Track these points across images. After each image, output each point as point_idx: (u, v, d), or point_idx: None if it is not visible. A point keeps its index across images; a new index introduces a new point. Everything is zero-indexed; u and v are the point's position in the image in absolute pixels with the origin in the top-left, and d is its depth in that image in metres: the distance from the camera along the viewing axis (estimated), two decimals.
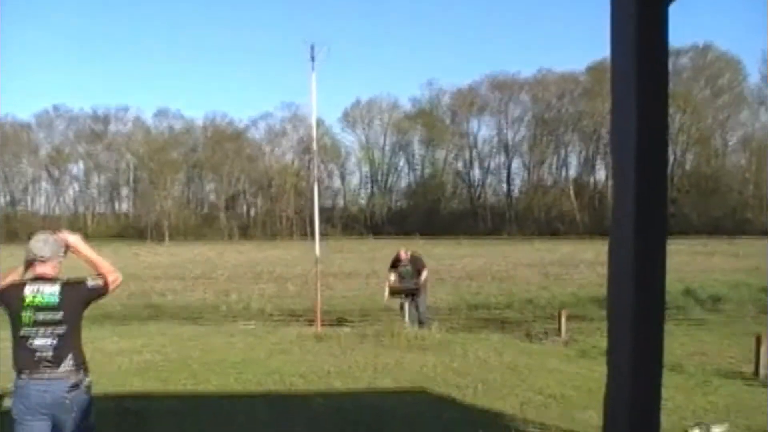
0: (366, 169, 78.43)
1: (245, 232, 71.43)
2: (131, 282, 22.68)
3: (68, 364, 3.57)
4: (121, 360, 8.12)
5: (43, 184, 78.14)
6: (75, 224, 69.12)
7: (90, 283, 3.69)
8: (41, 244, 3.70)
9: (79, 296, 3.66)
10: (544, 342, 10.23)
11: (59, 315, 3.56)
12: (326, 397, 6.55)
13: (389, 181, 78.12)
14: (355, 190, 78.57)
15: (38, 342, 3.52)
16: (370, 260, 32.65)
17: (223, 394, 6.70)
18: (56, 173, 75.30)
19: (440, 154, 76.24)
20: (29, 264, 3.67)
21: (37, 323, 3.53)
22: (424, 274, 11.44)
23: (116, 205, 79.20)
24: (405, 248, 12.19)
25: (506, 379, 7.25)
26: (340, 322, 13.26)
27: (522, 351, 9.08)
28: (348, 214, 74.02)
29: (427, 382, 7.13)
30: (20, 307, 3.54)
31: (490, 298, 16.55)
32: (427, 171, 76.33)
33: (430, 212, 69.78)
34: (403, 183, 78.93)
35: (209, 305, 16.50)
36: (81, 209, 76.43)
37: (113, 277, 3.76)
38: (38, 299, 3.55)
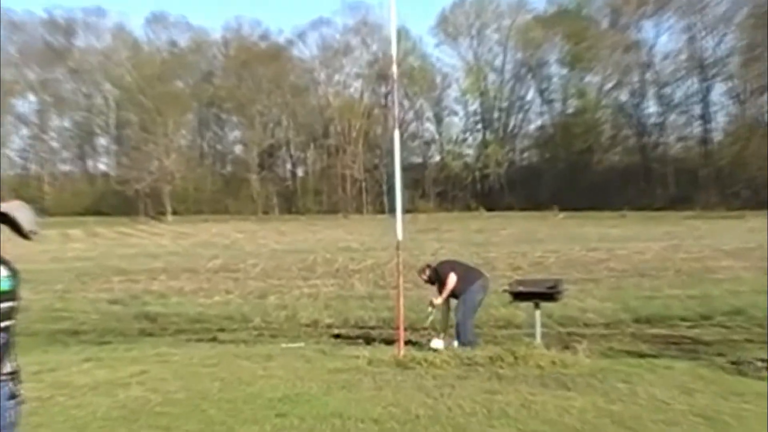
0: (475, 104, 78.09)
1: (289, 202, 72.86)
2: (114, 279, 23.71)
3: (9, 366, 3.86)
4: (97, 400, 8.37)
5: None
6: (21, 192, 71.58)
7: None
8: None
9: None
10: (762, 376, 9.83)
11: (11, 304, 3.85)
12: None
13: (511, 122, 77.38)
14: (458, 137, 78.51)
15: None
16: (482, 245, 32.49)
17: None
18: None
19: (593, 78, 74.59)
20: None
21: None
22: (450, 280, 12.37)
23: (90, 163, 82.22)
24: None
25: None
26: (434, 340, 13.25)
27: (726, 389, 8.75)
28: (447, 175, 73.93)
29: None
30: None
31: (674, 305, 16.09)
32: (572, 105, 74.96)
33: (576, 170, 68.63)
34: (533, 126, 78.21)
35: (234, 314, 16.89)
36: (32, 167, 78.73)
37: None
38: None
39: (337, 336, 14.31)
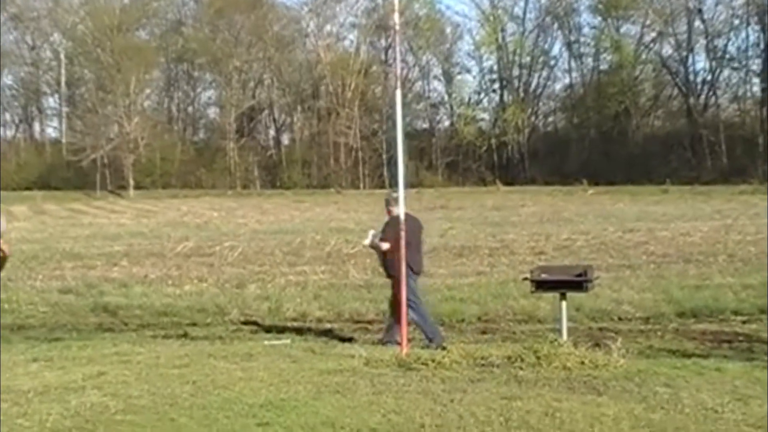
0: (491, 60, 77.88)
1: (273, 175, 72.91)
2: (66, 264, 23.66)
3: None
4: (46, 407, 8.39)
5: None
6: None
7: None
8: None
9: None
10: None
11: None
12: None
13: (533, 81, 77.26)
14: (471, 99, 78.37)
15: None
16: (499, 225, 32.51)
17: None
18: None
19: (631, 28, 74.44)
20: None
21: None
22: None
23: (37, 128, 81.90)
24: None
25: None
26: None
27: None
28: (458, 142, 73.89)
29: None
30: None
31: (725, 296, 16.13)
32: (606, 61, 74.83)
33: (610, 138, 68.71)
34: (560, 85, 78.06)
35: (208, 306, 16.94)
36: None
37: None
38: None
39: (328, 332, 14.33)
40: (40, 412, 8.03)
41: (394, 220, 12.44)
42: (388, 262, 12.61)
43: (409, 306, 12.05)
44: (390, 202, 13.01)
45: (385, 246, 12.57)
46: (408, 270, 12.25)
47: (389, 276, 12.69)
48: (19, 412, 7.20)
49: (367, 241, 13.29)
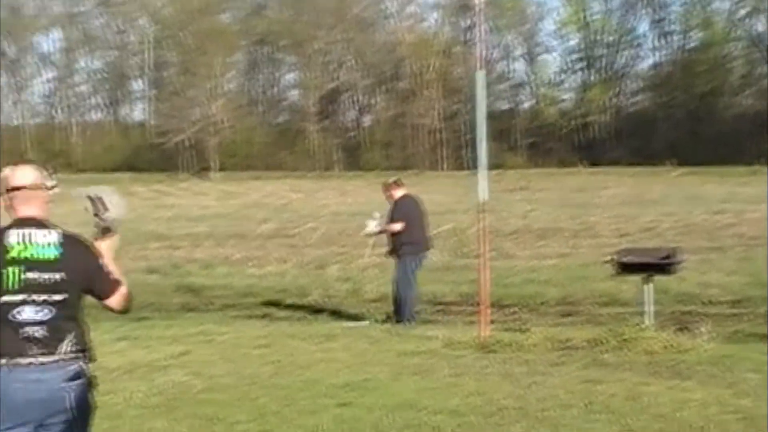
0: (575, 39, 76.94)
1: (354, 156, 73.07)
2: (151, 245, 23.99)
3: (68, 345, 4.17)
4: (133, 385, 8.59)
5: None
6: (47, 145, 73.03)
7: (101, 262, 4.31)
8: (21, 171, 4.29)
9: (86, 264, 4.26)
10: None
11: (58, 276, 4.14)
12: None
13: (619, 60, 76.16)
14: (554, 79, 77.58)
15: (27, 314, 4.10)
16: (583, 206, 32.15)
17: None
18: (11, 51, 78.67)
19: (721, 4, 72.87)
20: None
21: (26, 286, 4.10)
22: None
23: (123, 111, 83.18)
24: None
25: None
26: (523, 318, 13.27)
27: None
28: (540, 123, 73.31)
29: None
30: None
31: None
32: (695, 38, 73.43)
33: (698, 117, 67.47)
34: (646, 64, 76.82)
35: (290, 287, 17.12)
36: (58, 115, 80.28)
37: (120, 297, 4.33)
38: (29, 251, 4.12)
39: None
40: (127, 389, 8.22)
41: (401, 201, 13.27)
42: (399, 241, 13.00)
43: (405, 282, 12.77)
44: (390, 187, 13.54)
45: (399, 226, 12.95)
46: (419, 247, 13.07)
47: (398, 256, 13.06)
48: (107, 390, 7.33)
49: (372, 229, 13.85)
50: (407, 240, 12.99)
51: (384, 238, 13.96)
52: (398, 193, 13.37)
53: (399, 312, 12.87)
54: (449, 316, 14.09)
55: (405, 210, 13.28)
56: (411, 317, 12.80)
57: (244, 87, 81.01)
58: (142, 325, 12.68)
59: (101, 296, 4.34)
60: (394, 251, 13.17)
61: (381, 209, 14.06)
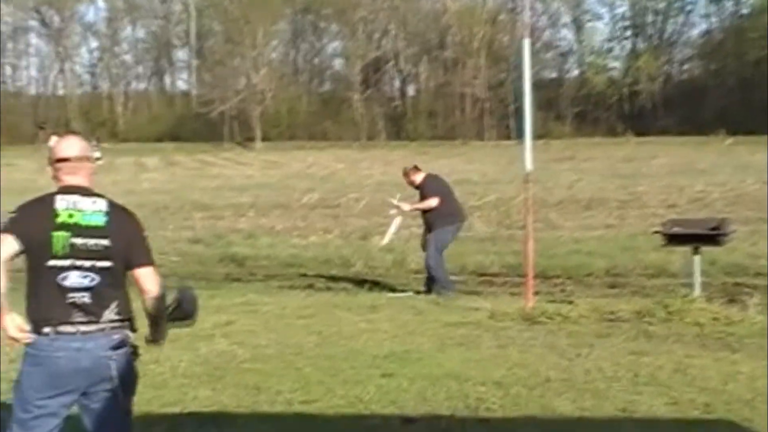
0: (623, 6, 76.18)
1: (398, 126, 73.05)
2: (195, 215, 24.17)
3: (112, 314, 4.28)
4: (177, 354, 8.63)
5: (33, 38, 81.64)
6: (94, 113, 73.54)
7: (144, 234, 4.46)
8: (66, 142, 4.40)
9: (130, 234, 4.38)
10: None
11: (105, 243, 4.25)
12: (543, 428, 6.53)
13: (668, 28, 75.36)
14: (602, 47, 76.87)
15: (73, 279, 4.19)
16: (631, 177, 31.92)
17: (356, 415, 6.88)
18: (55, 20, 79.42)
19: None
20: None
21: (73, 251, 4.18)
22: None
23: (167, 80, 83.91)
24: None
25: None
26: (569, 290, 13.21)
27: None
28: (587, 92, 72.73)
29: (739, 409, 6.85)
30: (48, 226, 4.17)
31: None
32: (748, 4, 72.34)
33: (750, 85, 66.51)
34: (697, 31, 75.92)
35: (333, 257, 17.15)
36: (103, 85, 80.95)
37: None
38: (76, 217, 4.22)
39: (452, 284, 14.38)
40: (172, 358, 8.27)
41: (427, 180, 13.50)
42: (436, 214, 13.07)
43: (434, 254, 12.88)
44: (411, 173, 13.66)
45: (435, 201, 13.06)
46: (455, 218, 13.29)
47: (434, 229, 13.10)
48: (151, 359, 7.40)
49: (403, 206, 14.13)
50: (445, 212, 13.06)
51: (408, 220, 14.22)
52: (419, 176, 13.53)
53: (432, 281, 12.98)
54: (494, 287, 14.07)
55: (435, 185, 13.47)
56: (447, 285, 12.88)
57: (288, 56, 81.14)
58: None
59: (138, 264, 4.41)
60: (429, 228, 13.20)
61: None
